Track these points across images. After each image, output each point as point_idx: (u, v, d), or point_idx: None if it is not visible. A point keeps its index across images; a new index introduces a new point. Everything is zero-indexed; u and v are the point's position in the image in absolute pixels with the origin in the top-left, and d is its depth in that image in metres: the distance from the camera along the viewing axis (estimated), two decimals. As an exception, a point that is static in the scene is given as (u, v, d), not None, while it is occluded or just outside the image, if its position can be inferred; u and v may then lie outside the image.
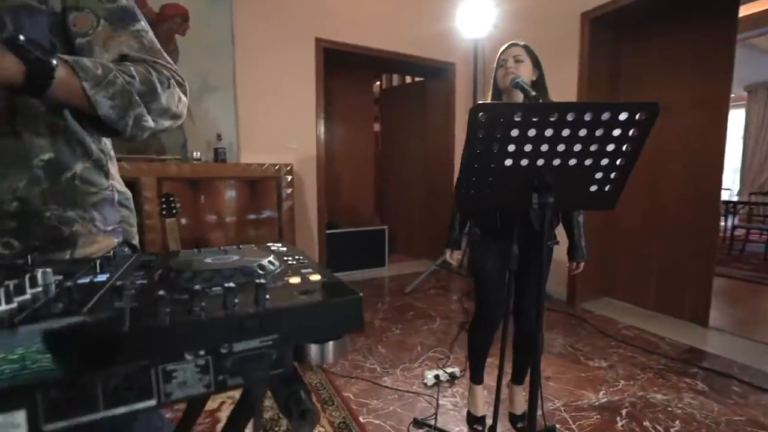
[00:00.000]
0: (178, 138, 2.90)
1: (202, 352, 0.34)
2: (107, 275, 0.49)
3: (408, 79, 5.12)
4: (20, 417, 0.29)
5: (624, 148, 0.96)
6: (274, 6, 3.10)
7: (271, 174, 2.88)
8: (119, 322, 0.32)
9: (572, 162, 0.98)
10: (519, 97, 1.31)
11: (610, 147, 0.95)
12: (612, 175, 1.01)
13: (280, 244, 0.70)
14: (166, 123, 0.75)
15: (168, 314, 0.34)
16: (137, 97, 0.65)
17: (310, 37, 3.26)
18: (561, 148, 0.94)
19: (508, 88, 1.31)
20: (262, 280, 0.38)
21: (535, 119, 0.90)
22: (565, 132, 0.92)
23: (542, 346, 1.57)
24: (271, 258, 0.53)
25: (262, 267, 0.49)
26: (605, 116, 0.90)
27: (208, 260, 0.51)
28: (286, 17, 3.15)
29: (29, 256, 0.64)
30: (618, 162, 0.99)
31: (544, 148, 0.94)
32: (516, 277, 1.44)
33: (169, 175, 2.58)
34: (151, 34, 0.78)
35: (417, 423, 1.56)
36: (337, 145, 4.56)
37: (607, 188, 1.04)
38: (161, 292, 0.35)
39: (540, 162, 0.97)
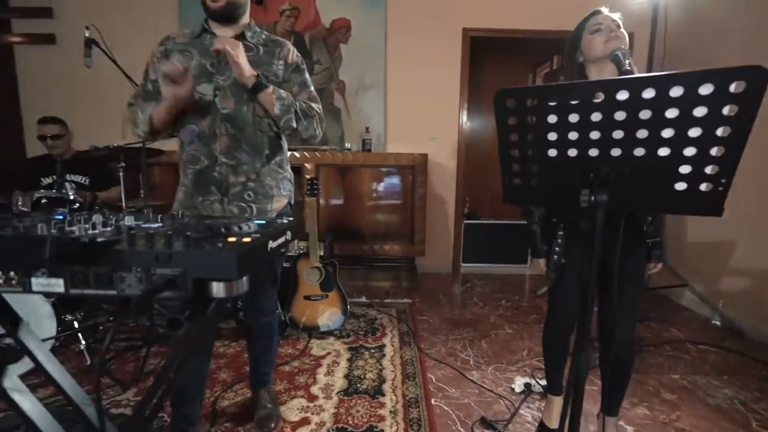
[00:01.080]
0: (337, 131, 3.44)
1: (139, 269, 0.54)
2: (160, 224, 0.76)
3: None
4: (61, 281, 0.55)
5: (719, 132, 0.71)
6: (423, 5, 3.26)
7: (406, 163, 3.11)
8: (101, 245, 0.55)
9: (639, 152, 0.79)
10: (608, 70, 1.09)
11: (695, 132, 0.73)
12: (708, 170, 0.76)
13: (291, 218, 0.87)
14: (309, 135, 1.28)
15: (122, 244, 0.55)
16: (295, 110, 1.22)
17: (457, 29, 3.28)
18: (618, 135, 0.78)
19: (600, 58, 1.11)
20: (189, 233, 0.55)
21: (574, 102, 0.77)
22: (619, 115, 0.75)
23: (631, 360, 1.27)
24: (246, 225, 0.70)
25: (227, 228, 0.66)
26: (675, 92, 0.70)
27: (207, 222, 0.72)
28: (433, 14, 3.27)
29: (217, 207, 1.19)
30: (713, 152, 0.74)
31: (595, 135, 0.80)
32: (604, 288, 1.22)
33: (325, 162, 3.12)
34: (314, 91, 1.33)
35: (484, 422, 1.51)
36: (485, 134, 4.43)
37: (703, 187, 0.78)
38: (132, 232, 0.57)
39: (593, 152, 0.82)
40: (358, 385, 1.75)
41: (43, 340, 1.59)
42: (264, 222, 0.81)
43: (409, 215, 3.20)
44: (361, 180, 3.20)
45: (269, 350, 1.52)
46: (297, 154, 3.09)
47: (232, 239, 0.61)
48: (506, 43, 3.53)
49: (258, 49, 1.24)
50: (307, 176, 3.09)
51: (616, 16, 1.14)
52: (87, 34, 1.96)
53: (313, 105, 1.28)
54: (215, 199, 1.24)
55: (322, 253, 2.41)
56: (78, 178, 2.47)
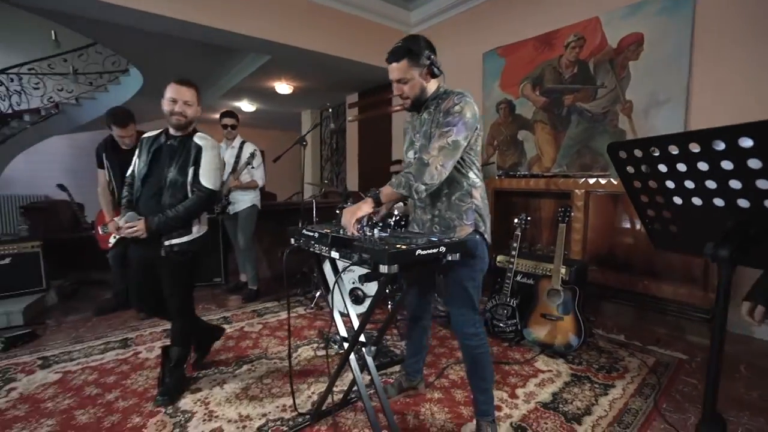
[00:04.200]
0: (619, 155, 3.22)
1: (358, 254, 1.19)
2: (383, 234, 1.42)
3: None
4: (336, 253, 1.29)
5: None
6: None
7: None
8: (351, 241, 1.24)
9: (770, 204, 0.68)
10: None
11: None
12: None
13: (461, 240, 1.31)
14: (432, 183, 1.37)
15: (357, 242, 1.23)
16: (413, 181, 1.35)
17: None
18: (764, 184, 0.71)
19: None
20: (382, 240, 1.16)
21: (674, 152, 0.79)
22: (754, 163, 0.70)
23: None
24: (421, 239, 1.23)
25: (409, 241, 1.21)
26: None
27: (404, 236, 1.30)
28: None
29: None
30: None
31: (736, 184, 0.75)
32: None
33: (596, 188, 3.05)
34: (449, 138, 1.39)
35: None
36: None
37: None
38: (367, 236, 1.24)
39: (718, 202, 0.78)
40: (560, 405, 1.83)
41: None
42: (435, 239, 1.31)
43: (706, 254, 2.56)
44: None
45: (475, 375, 1.58)
46: (569, 181, 3.19)
47: (399, 246, 1.16)
48: None
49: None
50: (578, 203, 3.13)
51: None
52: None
53: (431, 156, 1.37)
54: (419, 229, 1.64)
55: (565, 277, 2.50)
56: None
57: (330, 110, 3.32)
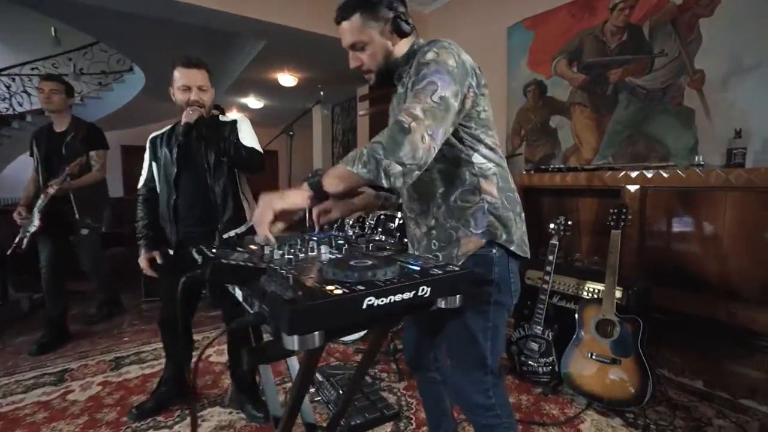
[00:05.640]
0: (686, 140, 2.53)
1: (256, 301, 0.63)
2: (333, 255, 0.85)
3: None
4: (239, 293, 0.74)
5: None
6: None
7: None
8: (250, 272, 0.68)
9: None
10: None
11: None
12: None
13: (460, 269, 0.71)
14: (414, 162, 0.82)
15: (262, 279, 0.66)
16: (381, 156, 0.80)
17: None
18: None
19: None
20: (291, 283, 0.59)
21: None
22: None
23: None
24: (388, 270, 0.65)
25: (362, 273, 0.64)
26: None
27: (352, 263, 0.72)
28: None
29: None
30: None
31: None
32: None
33: (655, 183, 2.36)
34: (434, 95, 0.86)
35: None
36: None
37: None
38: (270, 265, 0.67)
39: None
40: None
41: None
42: (418, 268, 0.72)
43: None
44: (717, 209, 2.17)
45: None
46: (618, 175, 2.52)
47: (328, 289, 0.58)
48: None
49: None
50: (628, 200, 2.46)
51: None
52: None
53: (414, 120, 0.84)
54: (416, 251, 1.13)
55: (622, 303, 1.85)
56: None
57: (322, 93, 2.80)
